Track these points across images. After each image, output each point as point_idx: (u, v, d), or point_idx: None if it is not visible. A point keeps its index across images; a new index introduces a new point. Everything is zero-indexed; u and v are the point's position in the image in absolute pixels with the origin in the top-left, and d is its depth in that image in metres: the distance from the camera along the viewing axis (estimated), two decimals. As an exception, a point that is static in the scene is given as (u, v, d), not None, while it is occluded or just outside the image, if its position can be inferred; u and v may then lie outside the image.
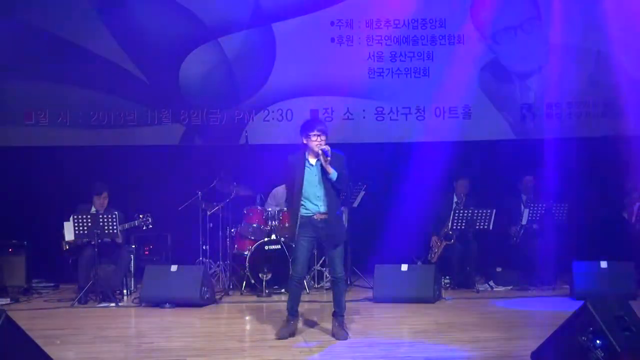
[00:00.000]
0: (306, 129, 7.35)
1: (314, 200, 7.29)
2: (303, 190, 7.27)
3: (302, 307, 8.84)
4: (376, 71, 11.98)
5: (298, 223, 7.32)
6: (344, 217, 10.20)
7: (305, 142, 7.33)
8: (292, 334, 7.44)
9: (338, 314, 7.50)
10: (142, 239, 11.14)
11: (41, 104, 11.71)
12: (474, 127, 11.98)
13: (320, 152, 7.22)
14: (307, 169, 7.32)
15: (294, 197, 7.34)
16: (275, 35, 11.89)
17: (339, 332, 7.41)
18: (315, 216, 7.30)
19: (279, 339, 7.37)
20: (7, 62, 11.56)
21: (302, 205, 7.30)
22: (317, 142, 7.25)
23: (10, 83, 11.70)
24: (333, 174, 7.22)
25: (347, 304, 8.90)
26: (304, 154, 7.37)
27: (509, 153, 11.76)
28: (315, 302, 9.47)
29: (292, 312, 7.51)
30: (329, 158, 7.19)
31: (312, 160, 7.35)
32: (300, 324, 7.97)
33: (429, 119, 11.98)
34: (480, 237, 10.41)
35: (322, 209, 7.28)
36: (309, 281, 10.14)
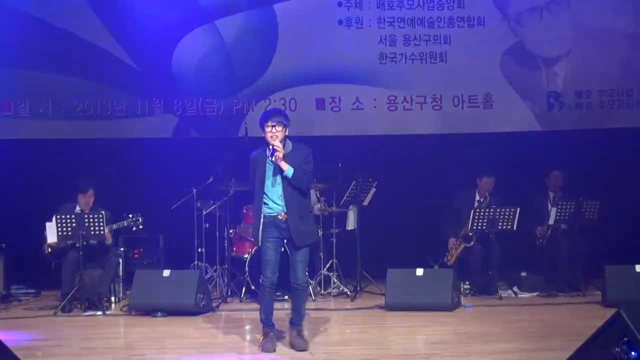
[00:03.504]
0: (261, 121, 7.37)
1: (277, 200, 7.33)
2: (265, 189, 7.33)
3: (307, 316, 8.84)
4: (388, 56, 11.98)
5: (262, 224, 7.36)
6: (353, 217, 10.54)
7: (264, 135, 7.35)
8: (275, 346, 7.44)
9: (296, 323, 7.53)
10: (131, 240, 11.18)
11: (21, 93, 11.73)
12: (495, 117, 12.00)
13: (271, 147, 7.25)
14: (267, 166, 7.36)
15: (256, 196, 7.39)
16: (278, 17, 11.92)
17: (298, 340, 7.42)
18: (279, 216, 7.32)
19: (264, 351, 7.36)
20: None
21: (265, 204, 7.35)
22: (270, 134, 7.26)
23: (-14, 70, 11.70)
24: (288, 170, 7.23)
25: (358, 312, 9.23)
26: (266, 149, 7.37)
27: (535, 146, 11.80)
28: (323, 310, 9.44)
29: (269, 322, 7.53)
30: (272, 158, 7.20)
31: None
32: (305, 334, 7.94)
33: (447, 109, 12.00)
34: (503, 238, 10.38)
35: (286, 208, 7.32)
36: (314, 287, 10.13)
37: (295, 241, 7.33)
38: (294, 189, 7.29)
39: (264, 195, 7.35)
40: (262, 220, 7.37)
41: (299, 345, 7.38)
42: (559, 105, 12.04)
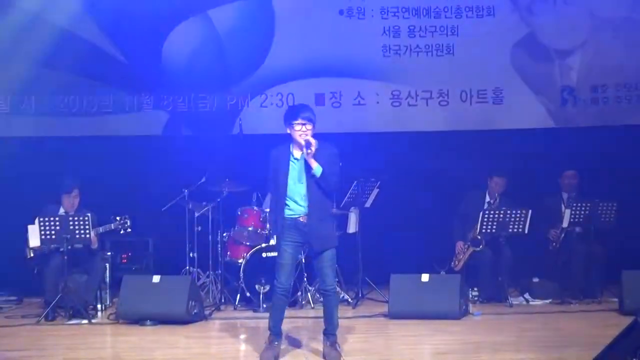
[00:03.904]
0: (290, 116, 7.34)
1: (299, 200, 7.30)
2: (287, 189, 7.29)
3: (307, 324, 8.95)
4: (392, 49, 11.99)
5: (282, 226, 7.32)
6: (354, 219, 10.45)
7: (289, 132, 7.34)
8: (277, 357, 7.41)
9: (329, 333, 7.46)
10: (119, 244, 11.14)
11: (1, 88, 11.67)
12: (506, 113, 11.99)
13: (302, 143, 7.22)
14: (291, 164, 7.33)
15: (278, 196, 7.36)
16: (275, 7, 11.94)
17: (331, 352, 7.37)
18: (300, 218, 7.30)
19: None
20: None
21: (286, 205, 7.32)
22: (300, 132, 7.24)
23: (-37, 63, 11.66)
24: (317, 168, 7.20)
25: (360, 320, 9.18)
26: (289, 146, 7.38)
27: (548, 144, 11.78)
28: (322, 318, 9.40)
29: (276, 331, 7.48)
30: (309, 151, 7.17)
31: (297, 154, 7.34)
32: (305, 342, 7.99)
33: (454, 105, 12.01)
34: (514, 242, 10.34)
35: (307, 208, 7.29)
36: (313, 294, 10.10)
37: (314, 245, 7.32)
38: (318, 188, 7.27)
39: (286, 196, 7.32)
40: (283, 222, 7.32)
41: (331, 357, 7.34)
42: (574, 101, 12.00)
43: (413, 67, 11.97)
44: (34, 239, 9.63)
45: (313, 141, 7.16)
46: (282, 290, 7.36)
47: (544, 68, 12.04)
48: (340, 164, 10.02)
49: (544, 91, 12.04)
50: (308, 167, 7.22)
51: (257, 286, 9.95)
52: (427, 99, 11.98)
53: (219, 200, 10.38)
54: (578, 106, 12.02)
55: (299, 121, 7.24)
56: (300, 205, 7.28)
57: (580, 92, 12.01)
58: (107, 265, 10.41)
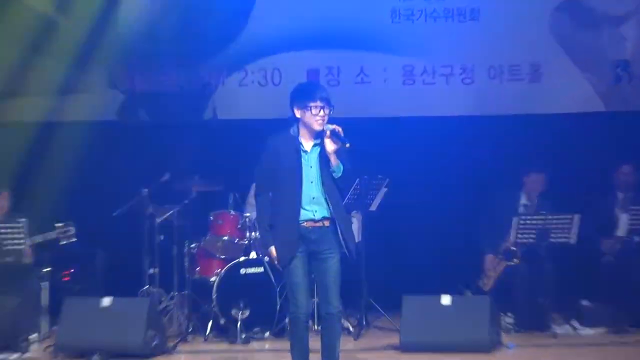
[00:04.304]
0: (304, 96, 7.09)
1: (306, 203, 7.05)
2: (302, 191, 7.11)
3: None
4: (403, 13, 11.80)
5: (298, 234, 7.10)
6: (357, 226, 10.21)
7: (299, 115, 7.10)
8: None
9: None
10: (60, 258, 10.76)
11: None
12: (545, 94, 11.75)
13: (327, 133, 6.97)
14: (304, 159, 7.20)
15: (287, 197, 7.09)
16: (257, -38, 11.96)
17: None
18: (305, 224, 7.04)
19: None
20: None
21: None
22: (318, 117, 7.01)
23: None
24: (338, 167, 7.00)
25: (364, 354, 9.22)
26: (295, 135, 7.15)
27: (597, 132, 11.44)
28: (317, 351, 8.89)
29: None
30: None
31: (307, 145, 7.11)
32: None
33: (480, 83, 11.82)
34: (557, 254, 10.06)
35: (318, 214, 7.04)
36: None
37: (350, 253, 7.15)
38: (336, 187, 7.11)
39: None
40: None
41: None
42: (629, 78, 11.72)
43: (429, 37, 11.80)
44: (-48, 252, 9.53)
45: (340, 129, 6.95)
46: (304, 316, 7.17)
47: (591, 38, 11.79)
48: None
49: (591, 67, 11.79)
50: (324, 164, 7.02)
51: (233, 311, 9.77)
52: (447, 75, 11.81)
53: (186, 202, 10.23)
54: (634, 85, 11.78)
55: (318, 103, 6.98)
56: (306, 210, 7.07)
57: (636, 67, 11.77)
58: (45, 284, 10.24)
